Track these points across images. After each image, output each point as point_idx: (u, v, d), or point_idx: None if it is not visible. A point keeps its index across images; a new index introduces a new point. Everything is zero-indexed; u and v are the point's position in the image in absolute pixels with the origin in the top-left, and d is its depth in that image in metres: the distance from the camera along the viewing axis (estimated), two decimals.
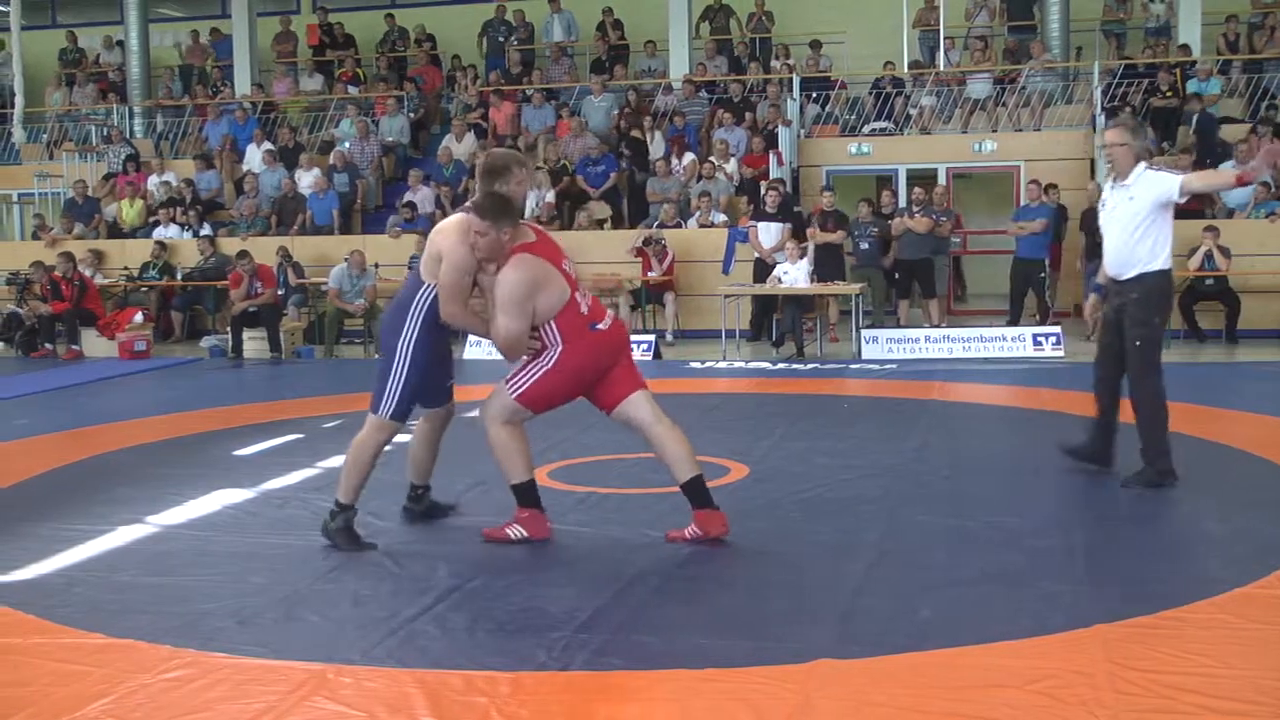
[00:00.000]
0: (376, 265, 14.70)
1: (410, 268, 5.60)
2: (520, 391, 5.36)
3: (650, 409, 5.47)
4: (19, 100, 19.85)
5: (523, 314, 5.22)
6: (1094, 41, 18.76)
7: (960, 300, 16.64)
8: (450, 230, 5.33)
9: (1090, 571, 4.93)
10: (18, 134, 20.10)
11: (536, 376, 5.35)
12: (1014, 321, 13.85)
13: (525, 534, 5.48)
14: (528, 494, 5.52)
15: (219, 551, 5.59)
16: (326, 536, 5.51)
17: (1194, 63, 16.68)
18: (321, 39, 21.37)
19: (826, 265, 13.63)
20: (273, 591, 4.90)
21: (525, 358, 5.38)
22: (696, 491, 5.47)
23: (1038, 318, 13.96)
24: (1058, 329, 12.82)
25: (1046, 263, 14.02)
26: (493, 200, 5.22)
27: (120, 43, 21.84)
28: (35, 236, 17.76)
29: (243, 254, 14.43)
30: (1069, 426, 8.47)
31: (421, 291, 5.39)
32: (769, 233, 13.92)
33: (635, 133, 17.26)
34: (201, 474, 7.14)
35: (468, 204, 5.44)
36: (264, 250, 14.96)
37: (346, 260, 14.36)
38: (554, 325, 5.32)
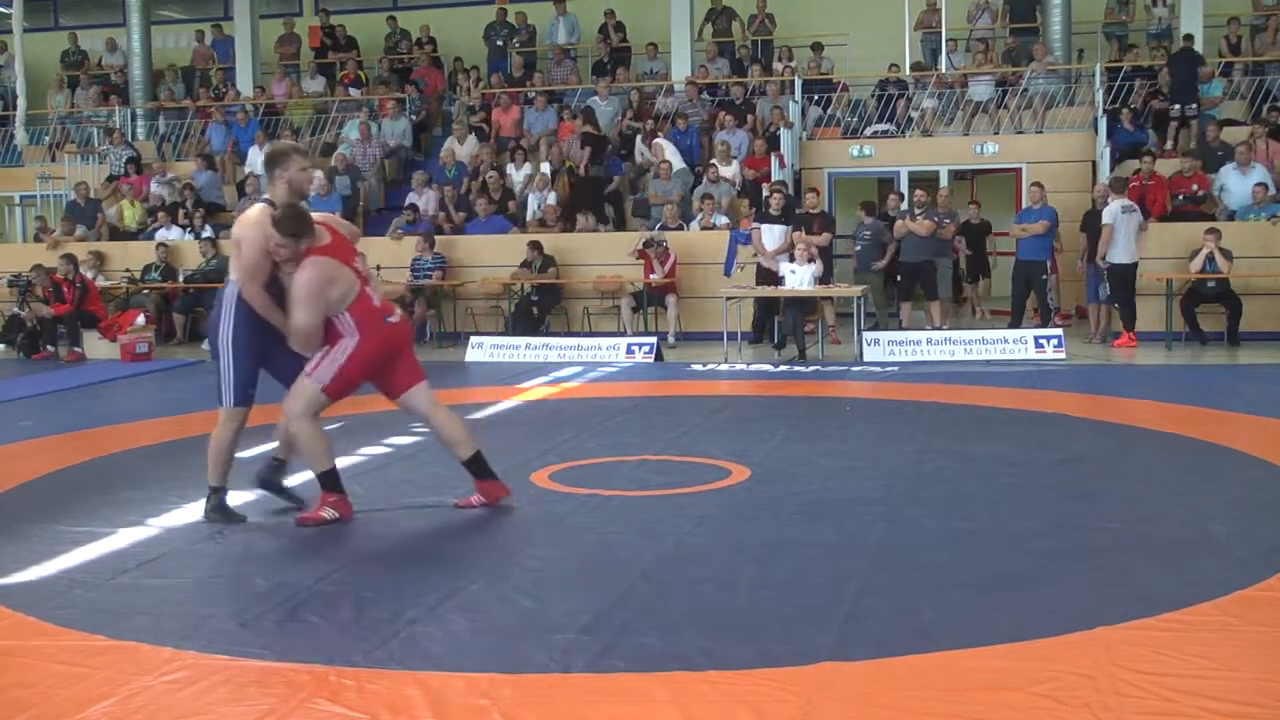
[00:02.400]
0: (379, 267, 14.68)
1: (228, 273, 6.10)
2: (326, 383, 5.86)
3: (429, 398, 6.16)
4: (21, 102, 19.88)
5: (314, 309, 5.75)
6: (1096, 44, 18.77)
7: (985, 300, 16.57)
8: (249, 220, 5.89)
9: (1092, 573, 4.93)
10: (20, 136, 20.13)
11: (338, 367, 5.85)
12: (1015, 324, 13.85)
13: (337, 514, 5.99)
14: (333, 480, 6.03)
15: (221, 554, 5.60)
16: (207, 519, 6.08)
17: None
18: (324, 41, 21.38)
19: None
20: (274, 594, 4.90)
21: (324, 348, 5.87)
22: (477, 465, 6.17)
23: (1039, 320, 13.96)
24: (1059, 331, 12.82)
25: (1049, 265, 14.02)
26: (291, 217, 5.78)
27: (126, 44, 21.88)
28: (37, 239, 17.76)
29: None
30: (1071, 429, 8.48)
31: (233, 289, 5.92)
32: (772, 235, 13.91)
33: (591, 128, 17.10)
34: (203, 476, 7.12)
35: (267, 195, 6.07)
36: None
37: None
38: (348, 315, 5.83)
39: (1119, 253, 13.04)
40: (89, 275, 15.55)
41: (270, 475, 6.31)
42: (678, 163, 16.38)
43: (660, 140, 16.62)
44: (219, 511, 6.10)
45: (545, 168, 16.53)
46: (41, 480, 7.28)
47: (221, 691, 3.85)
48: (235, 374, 5.94)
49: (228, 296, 5.94)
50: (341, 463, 7.44)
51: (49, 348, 14.83)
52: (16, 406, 10.65)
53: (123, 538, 5.84)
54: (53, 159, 19.85)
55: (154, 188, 18.20)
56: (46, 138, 20.50)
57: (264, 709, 3.69)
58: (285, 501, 6.30)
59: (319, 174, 15.68)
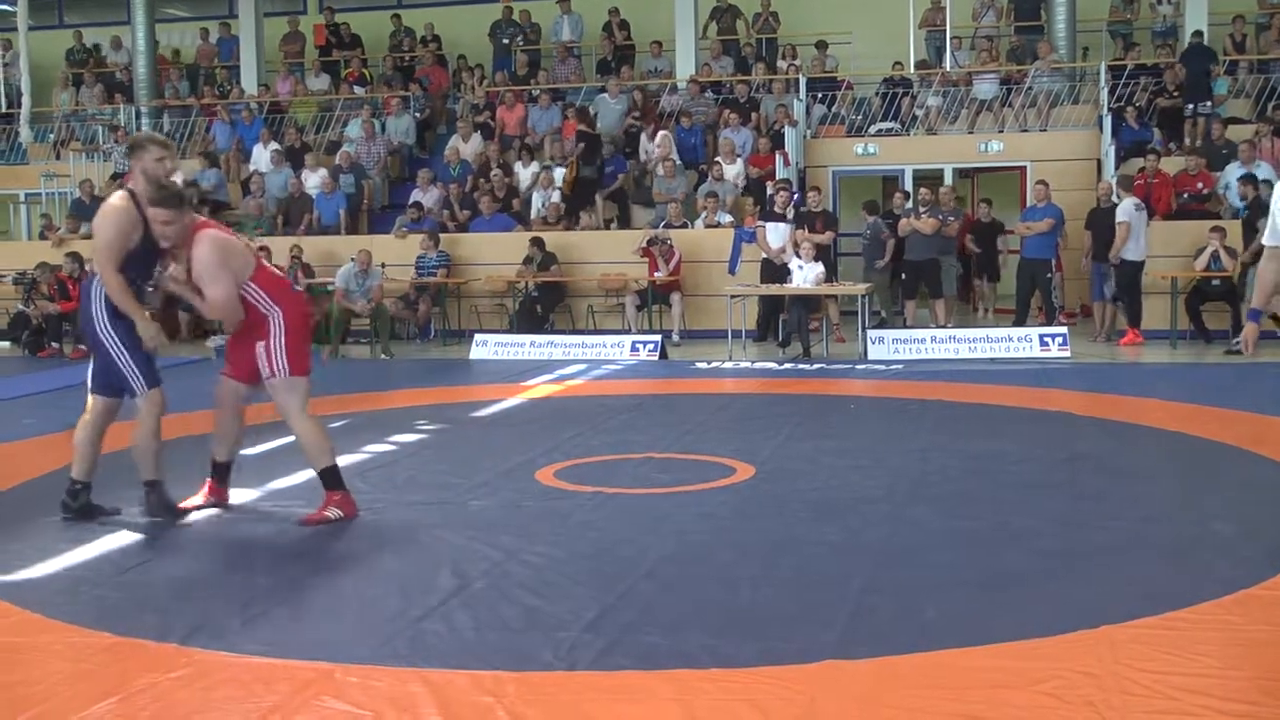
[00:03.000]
0: (383, 265, 14.72)
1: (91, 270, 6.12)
2: (287, 367, 5.86)
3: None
4: (26, 100, 19.91)
5: (224, 279, 5.79)
6: (1101, 42, 18.74)
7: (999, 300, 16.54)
8: (107, 206, 5.88)
9: (1096, 572, 4.93)
10: (25, 134, 20.14)
11: (283, 346, 5.85)
12: (1020, 322, 13.85)
13: (341, 514, 5.92)
14: (336, 477, 5.99)
15: (225, 550, 5.61)
16: (150, 516, 6.00)
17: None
18: (328, 39, 21.40)
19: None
20: (279, 591, 4.91)
21: (260, 346, 5.86)
22: (225, 471, 6.30)
23: (1043, 318, 13.95)
24: (1064, 330, 12.81)
25: (1053, 263, 14.02)
26: (169, 194, 5.77)
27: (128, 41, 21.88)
28: (42, 236, 17.79)
29: (262, 249, 14.50)
30: (1075, 427, 8.48)
31: (97, 282, 5.88)
32: (777, 233, 13.92)
33: (584, 126, 17.09)
34: (204, 473, 7.12)
35: (127, 184, 5.95)
36: (276, 251, 14.95)
37: (353, 260, 14.38)
38: (257, 287, 5.87)
39: (1131, 250, 13.06)
40: None
41: (75, 504, 6.06)
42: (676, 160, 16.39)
43: (665, 133, 16.62)
44: (162, 507, 5.99)
45: (559, 174, 16.51)
46: (46, 478, 7.27)
47: (227, 689, 3.85)
48: (133, 359, 5.87)
49: (95, 289, 5.88)
50: (346, 460, 7.47)
51: (54, 345, 14.87)
52: (21, 404, 10.66)
53: (127, 535, 5.84)
54: (57, 157, 19.87)
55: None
56: (51, 135, 20.52)
57: (269, 706, 3.69)
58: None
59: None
